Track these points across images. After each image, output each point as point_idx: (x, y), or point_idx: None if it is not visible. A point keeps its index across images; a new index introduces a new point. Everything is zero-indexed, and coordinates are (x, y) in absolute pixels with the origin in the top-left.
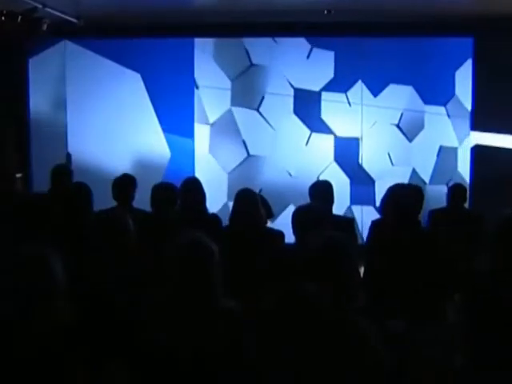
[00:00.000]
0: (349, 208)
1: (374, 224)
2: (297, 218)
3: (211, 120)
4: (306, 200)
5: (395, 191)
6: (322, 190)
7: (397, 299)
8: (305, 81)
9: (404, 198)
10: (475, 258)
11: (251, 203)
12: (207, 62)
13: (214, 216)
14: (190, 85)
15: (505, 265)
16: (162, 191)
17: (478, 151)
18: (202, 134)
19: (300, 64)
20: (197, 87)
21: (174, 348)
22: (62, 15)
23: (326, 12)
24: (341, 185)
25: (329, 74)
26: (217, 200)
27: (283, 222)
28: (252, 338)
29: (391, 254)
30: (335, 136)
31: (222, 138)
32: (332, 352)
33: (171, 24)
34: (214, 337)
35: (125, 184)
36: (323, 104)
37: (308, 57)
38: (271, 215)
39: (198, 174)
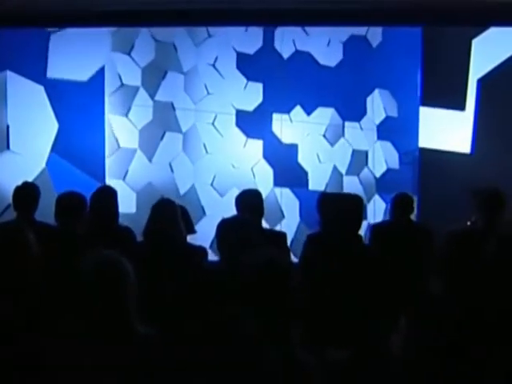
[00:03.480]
0: (272, 190)
1: (310, 239)
2: (222, 232)
3: (183, 130)
4: (246, 187)
5: (333, 202)
6: (250, 201)
7: (337, 324)
8: (242, 104)
9: (343, 209)
10: (424, 279)
11: (169, 216)
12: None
13: (127, 229)
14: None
15: (454, 287)
16: (68, 201)
17: (425, 157)
18: (176, 140)
19: (239, 93)
20: (173, 109)
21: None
22: None
23: None
24: (266, 173)
25: (258, 99)
26: (185, 184)
27: (229, 202)
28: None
29: (330, 272)
30: (265, 141)
31: (190, 141)
32: None
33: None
34: (127, 366)
35: (26, 193)
36: (274, 122)
37: (245, 87)
38: (192, 230)
39: (174, 168)
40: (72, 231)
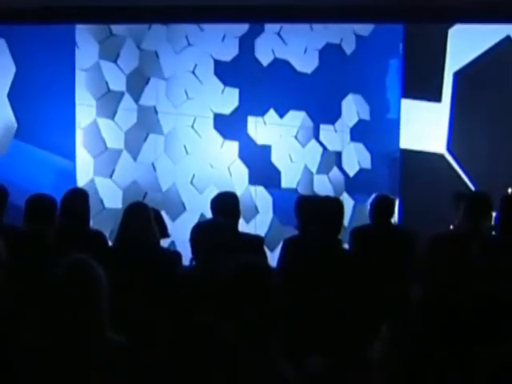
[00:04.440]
0: (247, 188)
1: (288, 243)
2: (197, 236)
3: (165, 132)
4: (223, 185)
5: (312, 206)
6: (225, 203)
7: (315, 332)
8: (219, 107)
9: (322, 212)
10: (406, 284)
11: (142, 219)
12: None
13: (98, 233)
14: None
15: (437, 293)
16: (38, 204)
17: (406, 158)
18: (159, 141)
19: (217, 97)
20: (156, 113)
21: None
22: None
23: None
24: (242, 172)
25: (234, 103)
26: (167, 182)
27: (207, 199)
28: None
29: (308, 276)
30: (241, 142)
31: (171, 143)
32: None
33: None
34: (100, 373)
35: None
36: (249, 124)
37: (222, 92)
38: (166, 234)
39: (157, 167)
40: (42, 234)
